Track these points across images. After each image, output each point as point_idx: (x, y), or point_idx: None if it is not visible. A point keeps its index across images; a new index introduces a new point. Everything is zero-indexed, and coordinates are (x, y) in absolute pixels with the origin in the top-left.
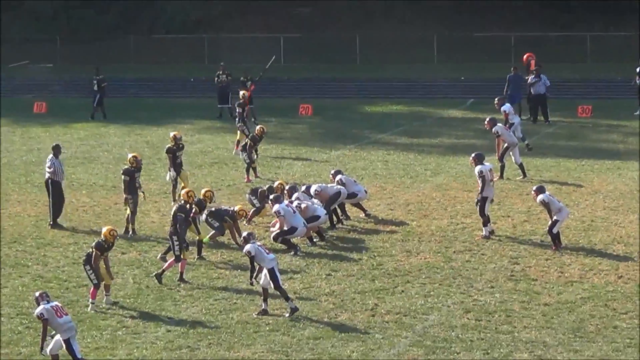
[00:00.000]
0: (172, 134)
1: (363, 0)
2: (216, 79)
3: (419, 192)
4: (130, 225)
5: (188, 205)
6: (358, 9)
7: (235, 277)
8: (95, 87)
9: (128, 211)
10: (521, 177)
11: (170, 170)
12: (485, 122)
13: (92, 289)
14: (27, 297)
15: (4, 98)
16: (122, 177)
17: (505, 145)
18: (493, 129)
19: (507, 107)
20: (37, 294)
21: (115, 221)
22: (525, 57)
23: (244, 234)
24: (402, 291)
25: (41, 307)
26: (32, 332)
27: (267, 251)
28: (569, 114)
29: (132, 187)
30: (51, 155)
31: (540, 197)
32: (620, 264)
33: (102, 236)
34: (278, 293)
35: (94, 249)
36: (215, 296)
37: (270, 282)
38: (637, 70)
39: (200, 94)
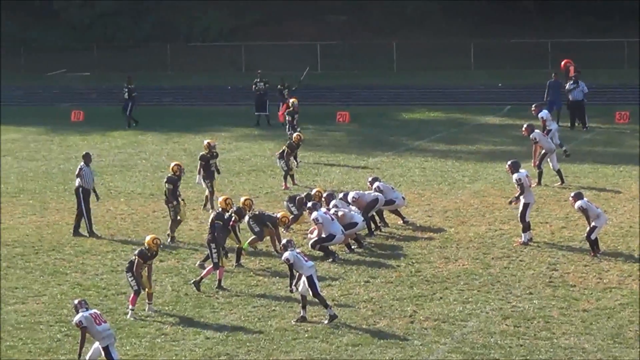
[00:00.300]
0: (206, 142)
1: (400, 7)
2: (254, 86)
3: (457, 199)
4: (170, 232)
5: (226, 213)
6: (394, 16)
7: (274, 285)
8: (126, 96)
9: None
10: (559, 183)
11: (199, 174)
12: (523, 129)
13: (132, 295)
14: (65, 305)
15: (41, 107)
16: (166, 185)
17: (543, 151)
18: (531, 135)
19: (544, 113)
20: (75, 301)
21: (153, 229)
22: (563, 63)
23: (283, 241)
24: (441, 298)
25: (80, 314)
26: (70, 339)
27: (305, 258)
28: (607, 120)
29: (174, 195)
30: (82, 163)
31: (578, 203)
32: None
33: (146, 244)
34: (316, 300)
35: (136, 257)
36: (254, 303)
37: (309, 289)
38: None
39: (238, 102)
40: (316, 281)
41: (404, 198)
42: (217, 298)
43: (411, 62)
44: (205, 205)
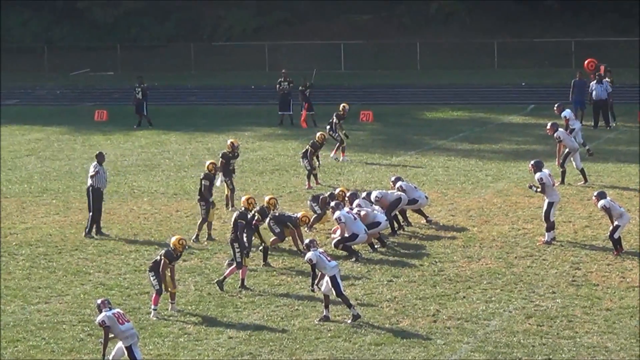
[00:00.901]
0: (229, 141)
1: (424, 6)
2: (278, 86)
3: (480, 198)
4: (198, 230)
5: (249, 213)
6: (418, 15)
7: (297, 284)
8: (140, 96)
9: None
10: (582, 182)
11: (219, 175)
12: (547, 128)
13: (154, 295)
14: (88, 305)
15: (65, 106)
16: (202, 182)
17: (567, 150)
18: (555, 134)
19: (567, 112)
20: (99, 301)
21: (176, 229)
22: (587, 62)
23: (306, 241)
24: (464, 297)
25: (103, 314)
26: (93, 339)
27: (328, 258)
28: (630, 119)
29: (210, 192)
30: (95, 163)
31: (602, 202)
32: None
33: (171, 245)
34: (339, 300)
35: (162, 257)
36: (277, 303)
37: (332, 289)
38: None
39: (261, 101)
40: (339, 281)
41: (427, 197)
42: (240, 297)
43: (435, 61)
44: (227, 204)
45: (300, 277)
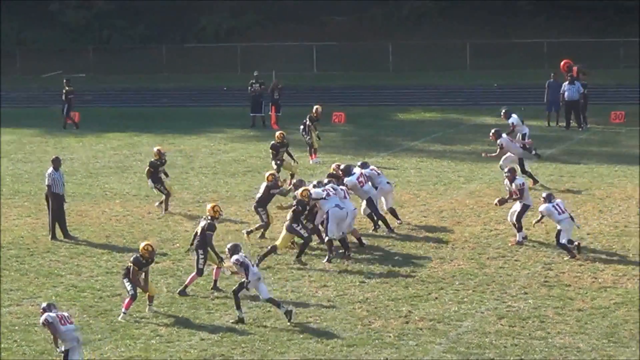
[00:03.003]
0: (155, 149)
1: (396, 8)
2: (249, 87)
3: (452, 199)
4: (255, 229)
5: (216, 221)
6: (391, 17)
7: (269, 286)
8: (64, 97)
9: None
10: (532, 183)
11: (149, 179)
12: (491, 134)
13: (128, 299)
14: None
15: (37, 108)
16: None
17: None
18: (498, 141)
19: (514, 119)
20: (44, 304)
21: (148, 230)
22: (563, 63)
23: (229, 245)
24: (436, 298)
25: (45, 314)
26: None
27: (252, 264)
28: (602, 120)
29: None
30: (50, 169)
31: (541, 207)
32: None
33: (140, 251)
34: (306, 302)
35: (132, 264)
36: (249, 304)
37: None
38: None
39: (233, 103)
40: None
41: (388, 183)
42: (212, 299)
43: (407, 63)
44: (162, 207)
45: (272, 278)
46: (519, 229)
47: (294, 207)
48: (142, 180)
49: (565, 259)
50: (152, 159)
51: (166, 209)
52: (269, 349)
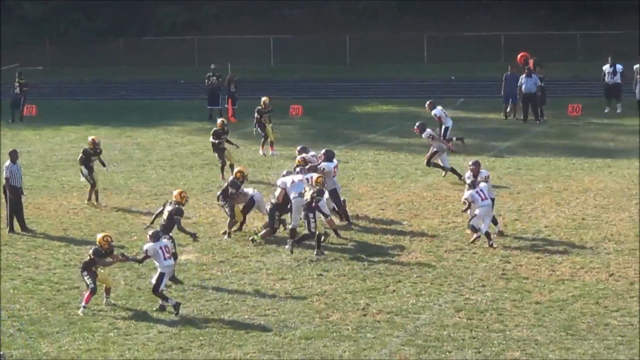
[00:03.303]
0: (90, 138)
1: (353, 1)
2: (206, 80)
3: (410, 192)
4: (228, 229)
5: (183, 206)
6: (348, 10)
7: (227, 278)
8: (18, 90)
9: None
10: (458, 178)
11: (82, 170)
12: (415, 127)
13: (87, 294)
14: (18, 300)
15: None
16: (229, 188)
17: (434, 149)
18: (423, 134)
19: (437, 110)
20: None
21: (106, 223)
22: (520, 56)
23: (151, 232)
24: (394, 290)
25: None
26: (23, 334)
27: (167, 255)
28: (560, 113)
29: (226, 194)
30: (8, 162)
31: (466, 193)
32: (611, 261)
33: (97, 243)
34: (262, 296)
35: (91, 256)
36: (207, 297)
37: (153, 282)
38: (604, 69)
39: (191, 96)
40: (164, 280)
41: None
42: (170, 292)
43: (364, 56)
44: (89, 198)
45: (230, 271)
46: (495, 222)
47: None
48: (99, 173)
49: (522, 251)
50: (87, 147)
51: (89, 199)
52: (227, 341)
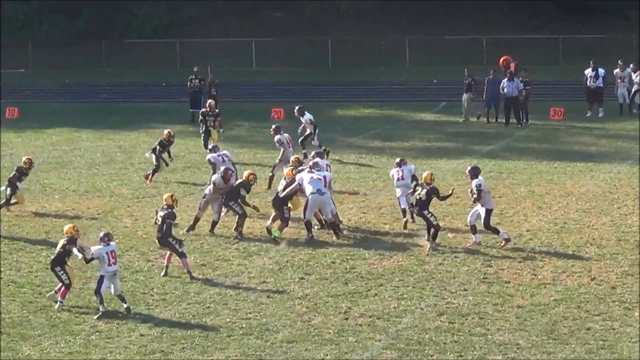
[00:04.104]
0: (25, 158)
1: (334, 3)
2: (189, 83)
3: (392, 196)
4: (240, 227)
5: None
6: (329, 13)
7: (208, 282)
8: None
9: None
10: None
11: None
12: (271, 130)
13: (62, 289)
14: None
15: None
16: (240, 190)
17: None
18: (275, 138)
19: (307, 116)
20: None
21: (87, 226)
22: (502, 60)
23: (102, 234)
24: (376, 294)
25: None
26: (5, 337)
27: (113, 261)
28: (541, 117)
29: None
30: None
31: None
32: (593, 266)
33: (68, 234)
34: (243, 299)
35: (66, 245)
36: (189, 300)
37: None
38: (586, 73)
39: (173, 99)
40: (104, 283)
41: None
42: (152, 295)
43: (346, 59)
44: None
45: (212, 274)
46: (496, 232)
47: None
48: (82, 176)
49: (504, 255)
50: (21, 165)
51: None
52: (209, 345)
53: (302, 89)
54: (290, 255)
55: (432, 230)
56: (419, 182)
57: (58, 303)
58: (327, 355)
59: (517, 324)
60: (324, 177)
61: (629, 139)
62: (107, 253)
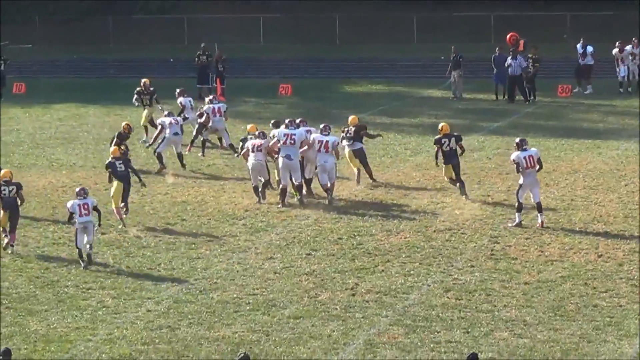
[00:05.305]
0: None
1: None
2: (196, 59)
3: (399, 172)
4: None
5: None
6: None
7: (215, 257)
8: (2, 67)
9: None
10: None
11: None
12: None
13: (12, 234)
14: (7, 278)
15: None
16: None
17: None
18: (158, 120)
19: (184, 100)
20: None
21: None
22: (509, 37)
23: (77, 189)
24: (382, 270)
25: None
26: (12, 312)
27: (85, 212)
28: (549, 94)
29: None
30: None
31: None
32: (600, 242)
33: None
34: (252, 274)
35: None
36: (196, 276)
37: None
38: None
39: (180, 75)
40: (79, 236)
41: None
42: (159, 271)
43: (353, 36)
44: None
45: (219, 250)
46: (518, 209)
47: None
48: (89, 152)
49: (511, 232)
50: (121, 131)
51: None
52: (216, 320)
53: (310, 65)
54: (297, 231)
55: None
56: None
57: (10, 248)
58: (333, 331)
59: (524, 300)
60: (326, 141)
61: (637, 116)
62: (79, 205)
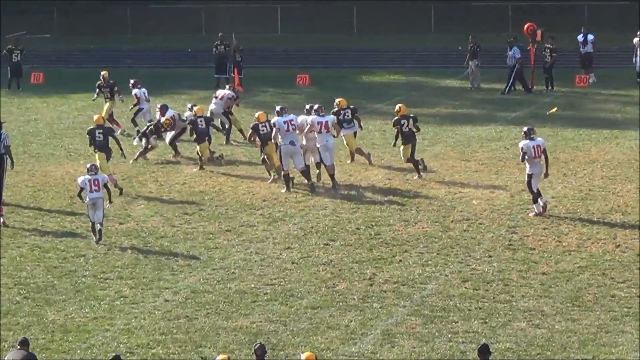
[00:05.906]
0: None
1: None
2: (214, 49)
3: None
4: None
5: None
6: None
7: (233, 247)
8: (19, 58)
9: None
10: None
11: None
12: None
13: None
14: (25, 268)
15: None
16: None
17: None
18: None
19: (139, 91)
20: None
21: (113, 191)
22: (526, 27)
23: (88, 165)
24: (400, 260)
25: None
26: (30, 302)
27: (96, 189)
28: (567, 84)
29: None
30: None
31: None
32: (618, 232)
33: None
34: (269, 264)
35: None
36: (213, 266)
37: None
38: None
39: (198, 65)
40: (90, 212)
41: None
42: (177, 260)
43: (371, 25)
44: None
45: (237, 240)
46: (534, 200)
47: None
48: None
49: (529, 222)
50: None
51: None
52: (233, 310)
53: (328, 55)
54: (315, 221)
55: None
56: None
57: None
58: (351, 321)
59: (542, 290)
60: (325, 122)
61: None
62: (89, 181)
